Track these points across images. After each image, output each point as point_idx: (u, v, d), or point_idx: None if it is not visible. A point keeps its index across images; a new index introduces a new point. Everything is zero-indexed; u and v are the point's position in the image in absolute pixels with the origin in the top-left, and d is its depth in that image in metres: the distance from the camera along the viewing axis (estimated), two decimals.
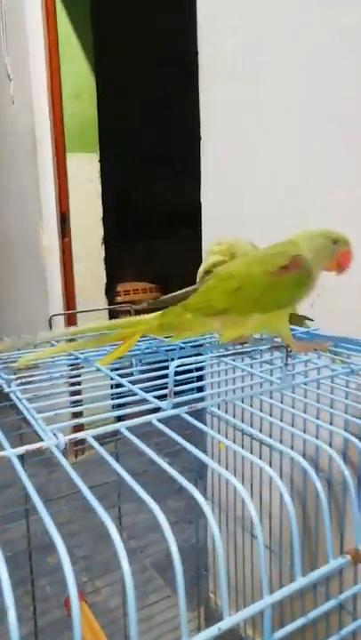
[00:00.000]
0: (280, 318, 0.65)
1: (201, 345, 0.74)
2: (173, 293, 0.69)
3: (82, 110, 2.25)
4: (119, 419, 0.49)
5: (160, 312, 0.65)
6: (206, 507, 0.36)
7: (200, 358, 0.55)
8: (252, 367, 0.59)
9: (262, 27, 1.05)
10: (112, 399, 0.55)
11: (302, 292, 0.64)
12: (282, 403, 0.53)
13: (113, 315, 2.41)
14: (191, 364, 0.56)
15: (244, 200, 1.14)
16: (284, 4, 0.99)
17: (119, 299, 2.85)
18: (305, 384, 0.53)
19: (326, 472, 0.82)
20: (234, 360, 0.59)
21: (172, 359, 0.61)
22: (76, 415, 0.53)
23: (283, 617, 0.93)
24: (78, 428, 0.45)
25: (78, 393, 0.56)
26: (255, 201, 1.11)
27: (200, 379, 0.59)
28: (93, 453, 2.00)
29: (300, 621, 0.36)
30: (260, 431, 0.87)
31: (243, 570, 1.08)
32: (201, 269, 0.93)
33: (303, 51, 0.96)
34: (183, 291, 0.68)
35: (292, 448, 0.72)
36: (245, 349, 0.58)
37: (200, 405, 0.45)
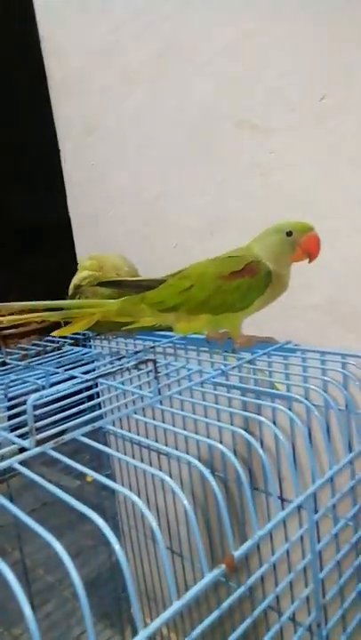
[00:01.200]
0: (231, 320, 0.67)
1: (79, 365, 0.71)
2: (137, 278, 0.75)
3: None
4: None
5: (121, 299, 0.70)
6: (110, 534, 0.34)
7: (66, 385, 0.53)
8: (130, 382, 0.58)
9: (104, 35, 1.04)
10: None
11: (253, 297, 0.64)
12: (170, 416, 0.53)
13: None
14: (63, 390, 0.54)
15: (111, 206, 1.13)
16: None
17: (4, 321, 2.69)
18: (180, 393, 0.53)
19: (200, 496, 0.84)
20: (106, 379, 0.58)
21: (43, 387, 0.58)
22: None
23: (201, 613, 0.94)
24: None
25: None
26: (122, 206, 1.10)
27: (92, 398, 0.56)
28: None
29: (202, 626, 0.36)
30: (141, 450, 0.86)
31: (159, 580, 1.07)
32: (72, 284, 0.91)
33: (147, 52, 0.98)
34: (148, 278, 0.71)
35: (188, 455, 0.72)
36: (115, 368, 0.57)
37: (67, 437, 0.43)
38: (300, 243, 0.64)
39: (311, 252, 0.64)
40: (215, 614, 0.38)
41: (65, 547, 0.33)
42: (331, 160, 0.73)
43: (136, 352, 0.73)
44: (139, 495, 1.05)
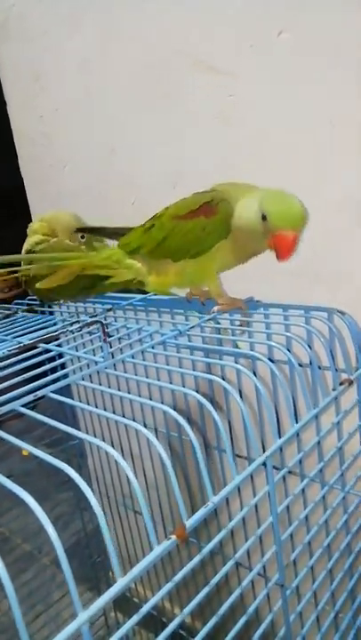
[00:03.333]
0: (202, 273, 0.60)
1: (31, 332, 0.67)
2: (119, 226, 0.71)
3: None
4: None
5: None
6: (89, 492, 0.33)
7: (5, 352, 0.49)
8: (79, 348, 0.54)
9: None
10: None
11: (211, 240, 0.56)
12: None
13: None
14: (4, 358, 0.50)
15: (64, 163, 1.06)
16: None
17: None
18: (133, 356, 0.50)
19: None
20: (60, 345, 0.54)
21: None
22: None
23: (173, 566, 0.94)
24: None
25: None
26: (75, 162, 1.03)
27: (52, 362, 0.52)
28: None
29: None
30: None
31: (132, 544, 1.07)
32: (24, 249, 0.85)
33: None
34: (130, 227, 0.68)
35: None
36: (58, 332, 0.53)
37: (5, 409, 0.39)
38: (272, 234, 0.53)
39: (278, 252, 0.53)
40: (175, 580, 0.36)
41: (44, 512, 0.30)
42: (294, 101, 0.68)
43: (92, 316, 0.69)
44: (108, 461, 1.02)
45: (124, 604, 1.24)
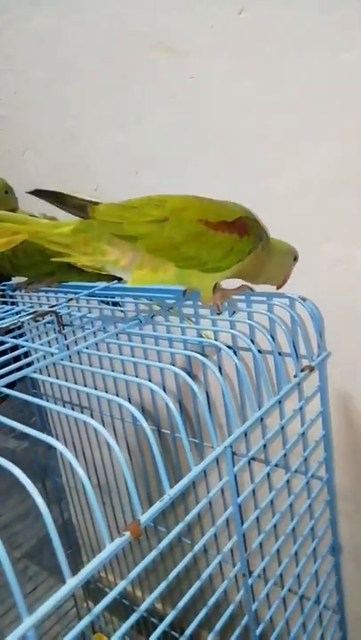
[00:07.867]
0: (201, 279, 0.52)
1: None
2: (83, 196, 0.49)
3: None
4: None
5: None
6: (73, 459, 0.32)
7: None
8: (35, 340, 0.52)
9: None
10: None
11: (232, 260, 0.50)
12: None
13: None
14: None
15: (24, 148, 1.02)
16: None
17: None
18: (87, 348, 0.48)
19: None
20: (23, 335, 0.52)
21: None
22: None
23: (142, 550, 0.94)
24: None
25: None
26: (34, 148, 1.00)
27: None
28: None
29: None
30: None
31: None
32: None
33: None
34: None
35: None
36: (7, 323, 0.51)
37: None
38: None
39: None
40: (140, 567, 0.35)
41: (14, 505, 0.29)
42: (255, 82, 0.67)
43: (52, 306, 0.67)
44: (75, 454, 1.01)
45: (97, 593, 1.24)
